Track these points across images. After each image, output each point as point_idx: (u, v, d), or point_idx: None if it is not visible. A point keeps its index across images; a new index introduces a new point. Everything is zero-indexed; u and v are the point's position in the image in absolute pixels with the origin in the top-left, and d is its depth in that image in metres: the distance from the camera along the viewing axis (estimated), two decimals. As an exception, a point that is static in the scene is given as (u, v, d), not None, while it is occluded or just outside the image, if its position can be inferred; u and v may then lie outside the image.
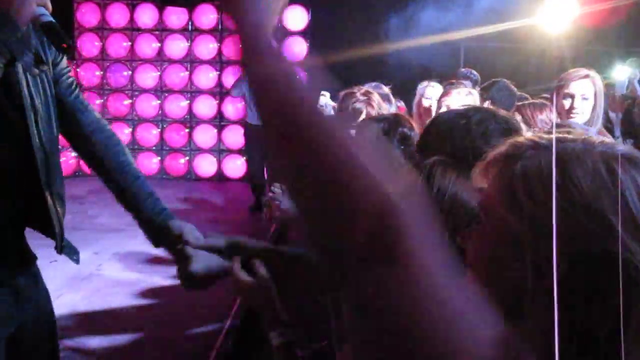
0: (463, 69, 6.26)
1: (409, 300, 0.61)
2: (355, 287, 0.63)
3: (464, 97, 3.71)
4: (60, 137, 2.23)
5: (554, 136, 0.90)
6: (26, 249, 2.27)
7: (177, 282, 5.86)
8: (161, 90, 10.57)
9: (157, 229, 2.07)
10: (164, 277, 5.61)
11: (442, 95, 3.86)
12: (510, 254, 0.88)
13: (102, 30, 10.47)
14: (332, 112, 5.52)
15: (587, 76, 3.51)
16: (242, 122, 8.83)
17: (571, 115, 3.44)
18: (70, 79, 2.19)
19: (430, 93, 4.90)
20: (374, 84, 4.91)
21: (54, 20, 1.75)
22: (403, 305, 0.61)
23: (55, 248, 2.33)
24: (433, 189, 1.37)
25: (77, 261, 2.31)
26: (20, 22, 1.74)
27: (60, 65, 2.13)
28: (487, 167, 0.94)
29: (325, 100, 6.14)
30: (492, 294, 0.92)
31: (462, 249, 1.00)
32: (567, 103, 3.50)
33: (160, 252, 6.48)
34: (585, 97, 3.47)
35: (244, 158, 10.03)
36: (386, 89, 4.70)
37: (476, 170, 0.97)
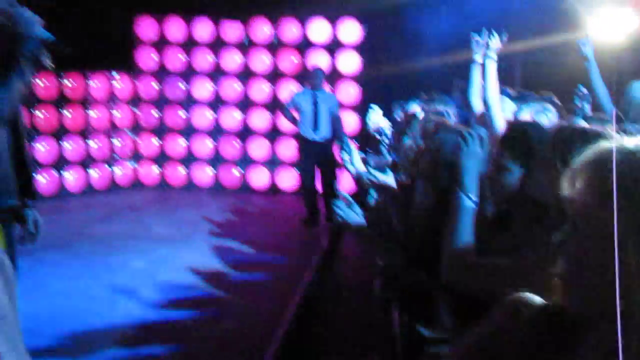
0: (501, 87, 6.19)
1: None
2: None
3: (538, 115, 3.71)
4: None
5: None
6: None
7: (231, 289, 5.95)
8: (216, 103, 10.72)
9: None
10: (218, 286, 5.66)
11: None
12: (613, 256, 0.90)
13: (160, 44, 10.71)
14: (388, 130, 5.49)
15: None
16: (295, 136, 8.86)
17: None
18: None
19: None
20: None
21: None
22: None
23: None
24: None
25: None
26: None
27: None
28: (575, 175, 0.98)
29: (376, 115, 6.09)
30: (592, 298, 0.95)
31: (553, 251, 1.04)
32: None
33: (215, 261, 6.55)
34: None
35: (297, 171, 10.07)
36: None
37: (564, 178, 1.01)
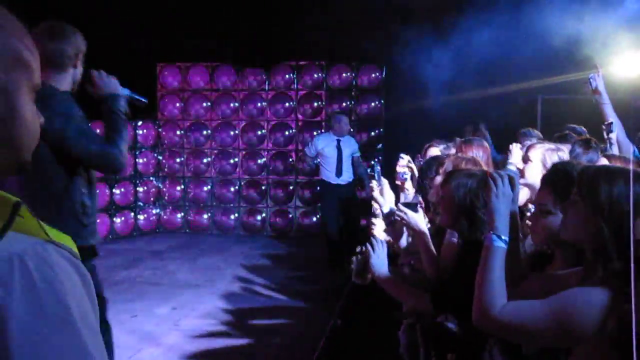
0: (523, 129, 6.27)
1: None
2: None
3: (550, 154, 3.71)
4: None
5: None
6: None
7: (256, 335, 5.90)
8: (239, 149, 10.81)
9: None
10: (242, 332, 5.62)
11: (529, 149, 3.84)
12: None
13: (183, 91, 10.89)
14: (410, 174, 5.45)
15: None
16: (317, 180, 8.86)
17: None
18: None
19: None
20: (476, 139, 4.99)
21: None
22: None
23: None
24: None
25: None
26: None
27: None
28: None
29: (404, 163, 6.04)
30: None
31: None
32: None
33: (239, 306, 6.52)
34: None
35: (320, 214, 10.06)
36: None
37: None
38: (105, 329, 3.00)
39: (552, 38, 6.24)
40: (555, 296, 1.88)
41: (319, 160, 8.63)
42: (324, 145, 8.50)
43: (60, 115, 2.77)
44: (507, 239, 2.06)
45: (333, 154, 8.44)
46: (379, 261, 2.96)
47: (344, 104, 10.37)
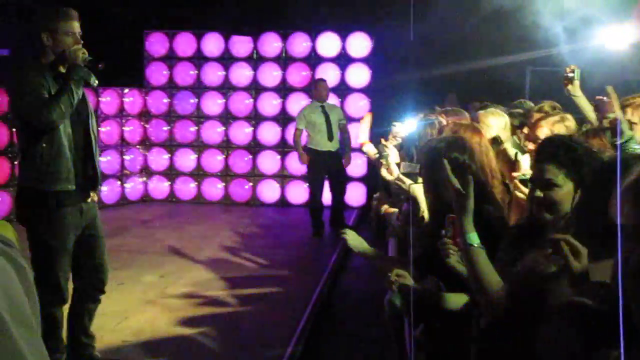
0: (515, 102, 6.28)
1: None
2: None
3: (557, 125, 3.73)
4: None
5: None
6: (87, 186, 3.79)
7: (242, 303, 5.91)
8: (226, 117, 10.76)
9: None
10: (228, 301, 5.65)
11: (534, 128, 3.85)
12: None
13: (170, 59, 10.78)
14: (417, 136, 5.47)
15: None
16: (304, 149, 8.85)
17: None
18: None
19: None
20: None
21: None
22: None
23: (94, 189, 3.90)
24: None
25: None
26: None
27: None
28: (626, 192, 1.02)
29: (397, 129, 6.07)
30: None
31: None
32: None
33: (225, 275, 6.52)
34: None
35: (306, 184, 10.03)
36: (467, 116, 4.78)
37: (622, 194, 1.05)
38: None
39: (538, 11, 6.23)
40: None
41: (307, 130, 8.58)
42: (311, 113, 8.50)
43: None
44: (478, 241, 2.17)
45: (321, 119, 8.45)
46: (356, 240, 3.04)
47: (333, 73, 10.32)
